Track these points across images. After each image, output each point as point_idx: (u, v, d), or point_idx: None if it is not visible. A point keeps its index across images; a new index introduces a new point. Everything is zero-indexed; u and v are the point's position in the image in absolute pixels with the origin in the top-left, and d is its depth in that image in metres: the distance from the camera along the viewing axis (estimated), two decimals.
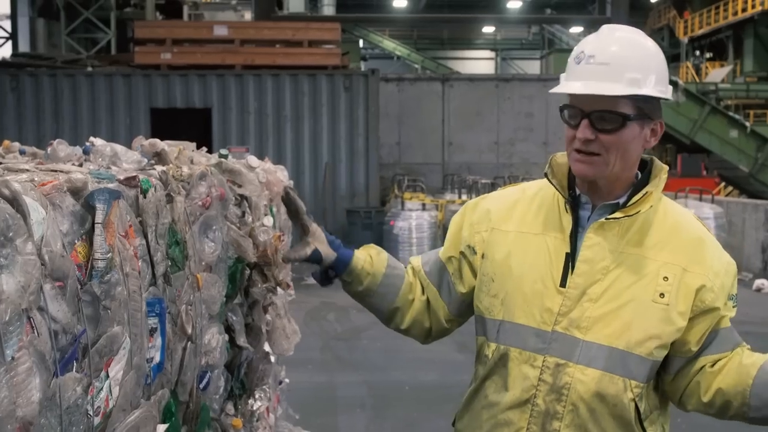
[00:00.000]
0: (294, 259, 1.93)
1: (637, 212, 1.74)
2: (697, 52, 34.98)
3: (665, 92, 1.75)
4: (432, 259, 2.01)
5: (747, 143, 21.52)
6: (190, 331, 2.13)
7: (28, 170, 1.54)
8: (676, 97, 21.31)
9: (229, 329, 2.59)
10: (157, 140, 2.50)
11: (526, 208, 1.89)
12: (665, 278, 1.73)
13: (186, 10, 22.71)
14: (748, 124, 22.64)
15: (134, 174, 1.85)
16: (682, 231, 1.80)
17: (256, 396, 2.86)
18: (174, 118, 12.97)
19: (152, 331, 1.81)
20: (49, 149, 2.32)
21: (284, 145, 13.50)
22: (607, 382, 1.72)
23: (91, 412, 1.41)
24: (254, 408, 2.82)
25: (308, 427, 4.14)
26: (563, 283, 1.75)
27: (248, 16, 21.73)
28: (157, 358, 1.85)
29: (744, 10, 30.24)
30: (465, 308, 1.99)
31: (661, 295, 1.72)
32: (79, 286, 1.38)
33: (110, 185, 1.64)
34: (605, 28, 1.79)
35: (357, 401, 5.88)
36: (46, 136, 12.66)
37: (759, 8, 29.44)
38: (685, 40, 34.01)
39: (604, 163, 1.72)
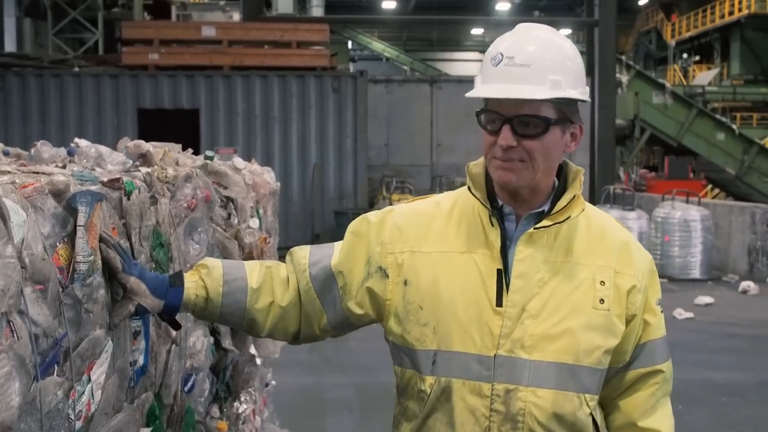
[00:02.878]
0: (119, 321, 1.64)
1: (567, 218, 1.67)
2: (685, 55, 35.16)
3: (585, 94, 1.68)
4: (322, 263, 1.79)
5: (734, 146, 21.62)
6: (174, 333, 2.12)
7: (9, 172, 1.53)
8: (664, 99, 21.40)
9: (214, 332, 2.58)
10: (142, 142, 2.48)
11: (444, 225, 1.73)
12: (602, 282, 1.66)
13: (174, 11, 22.62)
14: (734, 126, 22.75)
15: (118, 176, 1.84)
16: (608, 234, 1.73)
17: (242, 399, 2.84)
18: (162, 118, 12.93)
19: (135, 334, 1.80)
20: (32, 150, 2.30)
21: (272, 146, 13.47)
22: (563, 401, 1.63)
23: (72, 416, 1.40)
24: (240, 411, 2.80)
25: (295, 430, 4.12)
26: (499, 303, 1.64)
27: (236, 16, 21.65)
28: (141, 361, 1.84)
29: (731, 13, 30.43)
30: (347, 326, 1.82)
31: (601, 300, 1.65)
32: (60, 289, 1.37)
33: (93, 187, 1.62)
34: (522, 27, 1.69)
35: (345, 403, 5.88)
36: (32, 136, 12.57)
37: (746, 11, 29.63)
38: (672, 42, 34.17)
39: (529, 170, 1.62)
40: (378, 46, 38.38)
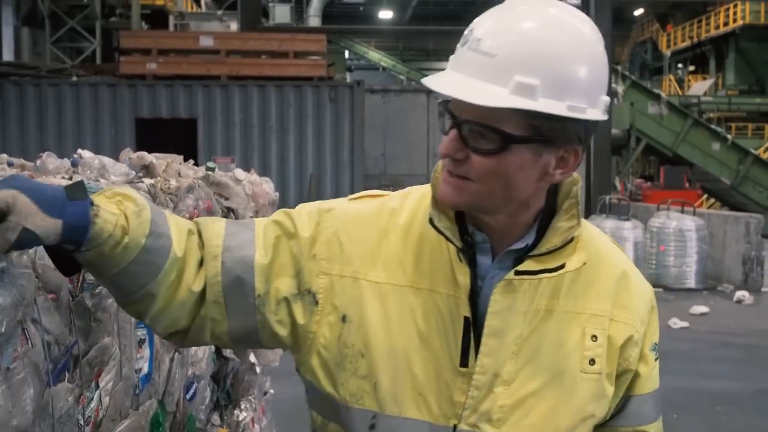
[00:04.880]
0: None
1: (561, 266, 1.26)
2: (680, 65, 35.35)
3: (582, 110, 1.18)
4: (241, 254, 1.29)
5: (729, 156, 21.74)
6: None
7: None
8: (660, 109, 21.51)
9: None
10: (145, 153, 2.53)
11: (400, 246, 1.30)
12: (593, 337, 1.29)
13: (172, 20, 22.76)
14: (729, 136, 22.87)
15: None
16: (605, 264, 1.34)
17: (242, 407, 2.88)
18: (159, 128, 12.97)
19: (141, 342, 1.84)
20: (38, 162, 2.35)
21: (269, 156, 13.53)
22: None
23: (81, 422, 1.44)
24: (240, 418, 2.84)
25: None
26: (464, 362, 1.26)
27: (234, 26, 21.80)
28: (146, 369, 1.88)
29: (726, 24, 30.61)
30: (251, 342, 1.34)
31: (591, 361, 1.29)
32: (71, 298, 1.42)
33: None
34: (515, 1, 1.22)
35: None
36: (30, 146, 12.61)
37: (740, 22, 29.81)
38: (667, 53, 34.35)
39: (474, 193, 1.22)
40: (374, 55, 38.54)
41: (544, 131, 1.18)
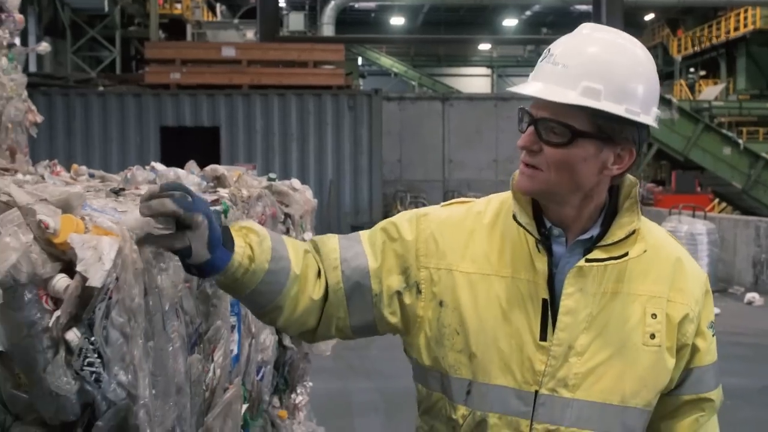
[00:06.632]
0: (156, 245, 1.41)
1: (625, 255, 1.52)
2: (692, 70, 35.54)
3: (636, 113, 1.45)
4: (356, 263, 1.58)
5: (740, 160, 21.93)
6: (253, 329, 2.50)
7: None
8: (671, 114, 21.75)
9: (277, 331, 2.96)
10: (218, 166, 2.87)
11: (485, 242, 1.57)
12: (653, 315, 1.53)
13: (189, 29, 23.18)
14: (740, 141, 23.08)
15: (216, 197, 2.23)
16: (661, 253, 1.58)
17: (298, 391, 3.21)
18: (183, 136, 13.35)
19: (232, 328, 2.18)
20: (128, 174, 2.69)
21: (290, 163, 13.89)
22: None
23: (203, 387, 1.78)
24: (296, 402, 3.17)
25: (328, 429, 4.48)
26: (543, 336, 1.50)
27: (250, 34, 22.19)
28: (235, 351, 2.21)
29: (736, 28, 30.82)
30: (369, 331, 1.63)
31: (652, 336, 1.53)
32: (196, 287, 1.76)
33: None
34: (585, 27, 1.54)
35: (371, 405, 6.24)
36: (58, 152, 13.02)
37: (751, 27, 30.01)
38: (678, 58, 34.58)
39: (545, 181, 1.48)
40: (386, 61, 38.93)
41: (605, 129, 1.45)
